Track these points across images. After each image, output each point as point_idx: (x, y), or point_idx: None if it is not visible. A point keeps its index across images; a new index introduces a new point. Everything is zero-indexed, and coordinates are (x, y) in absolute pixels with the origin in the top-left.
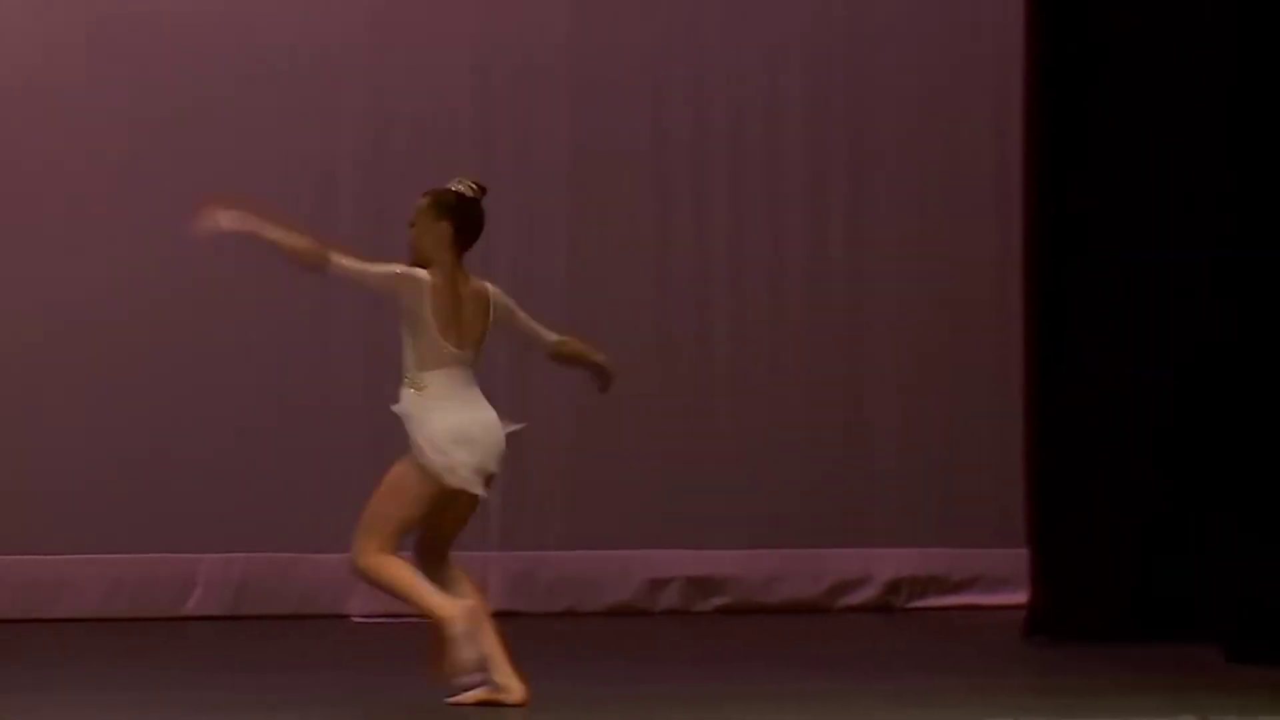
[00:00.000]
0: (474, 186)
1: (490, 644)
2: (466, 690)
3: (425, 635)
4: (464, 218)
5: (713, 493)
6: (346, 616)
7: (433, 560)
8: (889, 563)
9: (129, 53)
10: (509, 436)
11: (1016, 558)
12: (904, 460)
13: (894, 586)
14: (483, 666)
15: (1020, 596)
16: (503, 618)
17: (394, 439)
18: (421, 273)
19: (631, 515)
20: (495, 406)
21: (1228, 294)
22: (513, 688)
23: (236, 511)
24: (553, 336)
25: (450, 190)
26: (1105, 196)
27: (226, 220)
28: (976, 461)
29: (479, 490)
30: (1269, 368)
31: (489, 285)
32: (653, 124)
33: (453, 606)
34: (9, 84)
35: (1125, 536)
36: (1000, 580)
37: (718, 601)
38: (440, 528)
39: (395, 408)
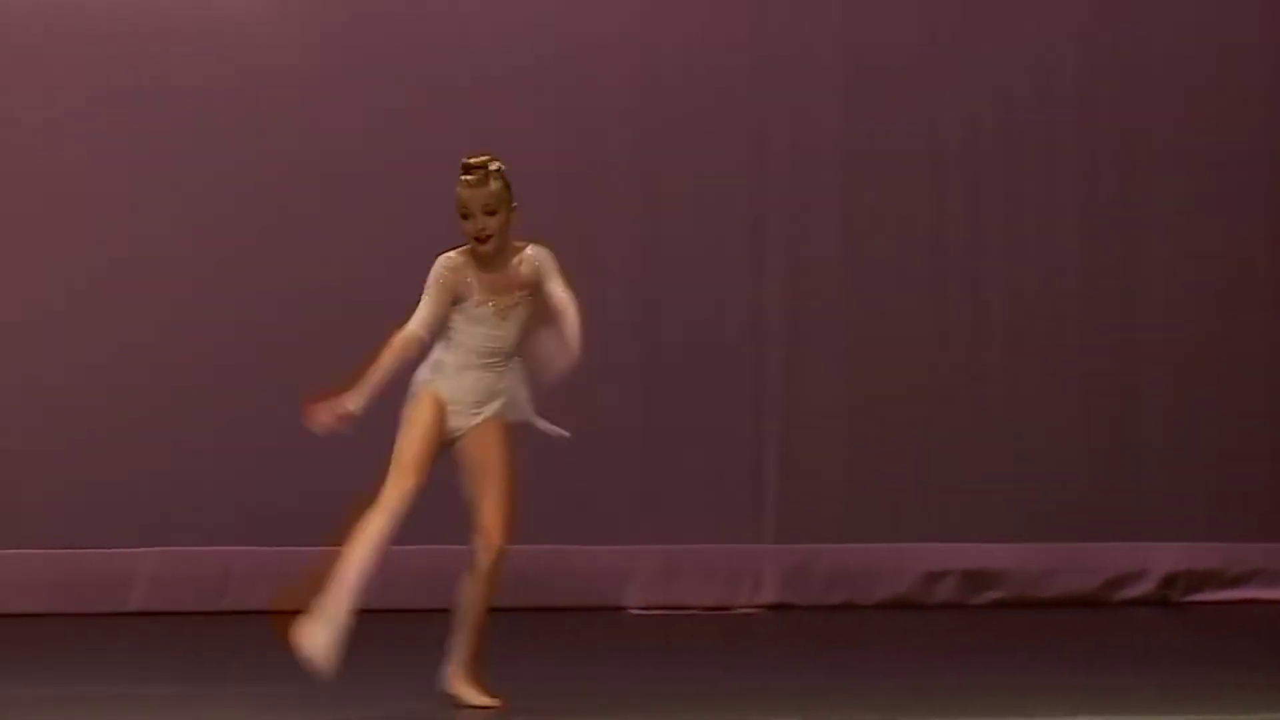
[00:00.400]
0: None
1: None
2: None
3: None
4: None
5: (988, 486)
6: (623, 608)
7: None
8: (1165, 557)
9: (387, 53)
10: None
11: None
12: (1179, 454)
13: (1170, 580)
14: None
15: None
16: (778, 610)
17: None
18: None
19: (907, 509)
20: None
21: None
22: None
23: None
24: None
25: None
26: None
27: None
28: (1252, 455)
29: None
30: None
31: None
32: (925, 120)
33: None
34: (264, 77)
35: None
36: (1279, 574)
37: (993, 595)
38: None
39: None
